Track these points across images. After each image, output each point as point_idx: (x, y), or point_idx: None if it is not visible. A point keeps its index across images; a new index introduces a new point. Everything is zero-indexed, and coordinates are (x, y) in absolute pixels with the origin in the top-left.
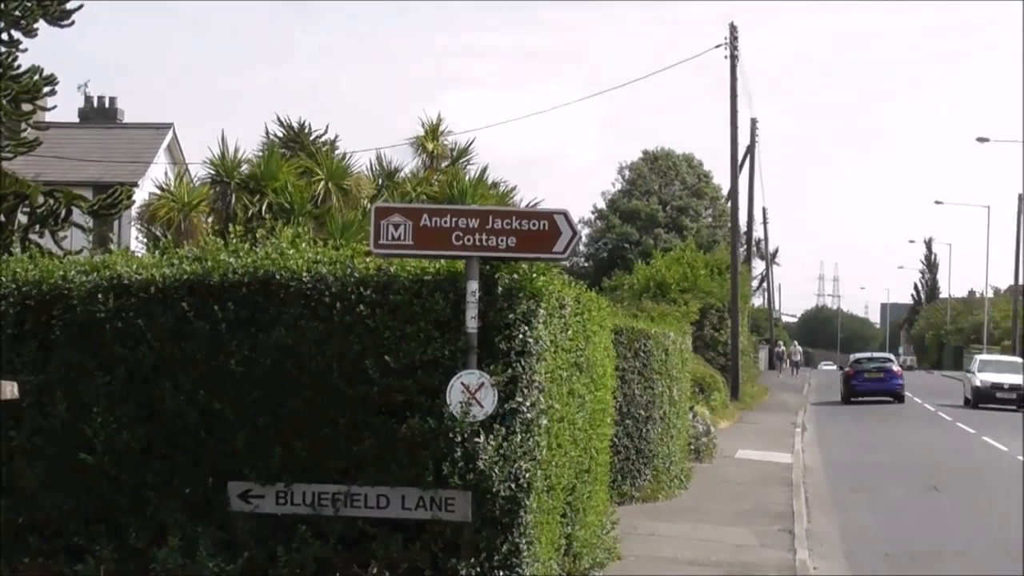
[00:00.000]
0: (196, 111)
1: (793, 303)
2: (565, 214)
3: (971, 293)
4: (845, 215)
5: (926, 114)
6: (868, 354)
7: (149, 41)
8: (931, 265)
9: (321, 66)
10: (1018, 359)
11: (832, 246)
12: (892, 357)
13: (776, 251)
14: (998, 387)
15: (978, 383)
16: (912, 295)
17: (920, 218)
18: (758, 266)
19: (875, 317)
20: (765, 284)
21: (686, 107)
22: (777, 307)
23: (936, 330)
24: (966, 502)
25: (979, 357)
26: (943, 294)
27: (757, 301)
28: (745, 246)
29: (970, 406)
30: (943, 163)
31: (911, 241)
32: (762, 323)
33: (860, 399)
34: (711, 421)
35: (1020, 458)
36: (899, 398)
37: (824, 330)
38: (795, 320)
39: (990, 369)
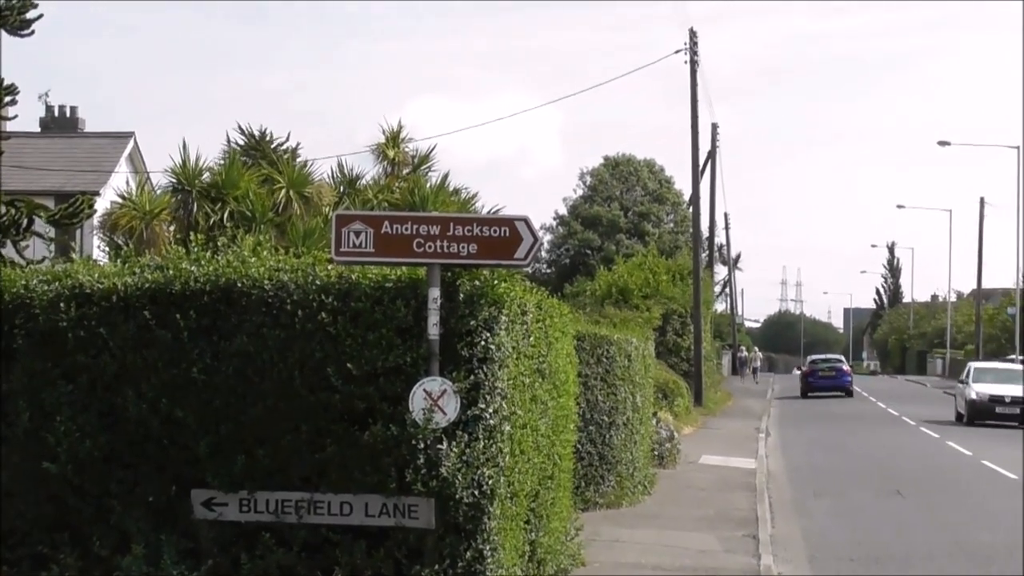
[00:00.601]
0: (157, 119)
1: (756, 308)
2: (526, 220)
3: (934, 297)
4: (808, 220)
5: (887, 118)
6: (823, 356)
7: (109, 49)
8: (894, 270)
9: (281, 73)
10: (1018, 367)
11: (795, 251)
12: (843, 358)
13: (739, 256)
14: (998, 400)
15: (974, 396)
16: (875, 300)
17: (882, 223)
18: (720, 271)
19: (838, 322)
20: (728, 289)
21: (647, 112)
22: (740, 312)
23: (899, 335)
24: (929, 505)
25: (974, 365)
26: (906, 298)
27: (720, 306)
28: (707, 251)
29: (963, 422)
30: (905, 167)
31: (874, 246)
32: (725, 328)
33: (816, 394)
34: (675, 427)
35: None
36: (848, 392)
37: (787, 335)
38: (758, 325)
39: (987, 379)
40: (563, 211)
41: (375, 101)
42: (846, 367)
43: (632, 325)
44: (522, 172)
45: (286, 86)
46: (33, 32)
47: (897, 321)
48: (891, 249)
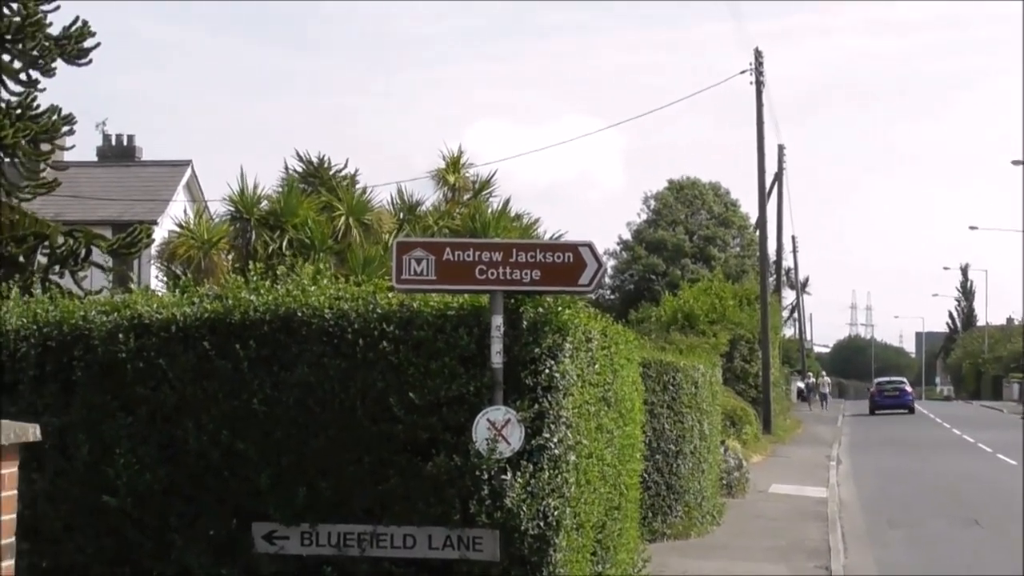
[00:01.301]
0: (215, 147)
1: (825, 333)
2: (590, 246)
3: (1009, 320)
4: (878, 243)
5: (959, 137)
6: (888, 378)
7: (166, 76)
8: (967, 292)
9: (338, 99)
10: None
11: (865, 275)
12: (905, 380)
13: (807, 280)
14: None
15: None
16: (948, 323)
17: (955, 244)
18: (788, 296)
19: (910, 346)
20: (796, 314)
21: (711, 134)
22: (809, 337)
23: (973, 359)
24: (1007, 535)
25: None
26: (980, 322)
27: (788, 332)
28: (775, 275)
29: None
30: (978, 187)
31: (946, 268)
32: (793, 354)
33: (881, 411)
34: (743, 455)
35: None
36: (910, 409)
37: (858, 360)
38: (828, 351)
39: None
40: (627, 236)
41: (433, 126)
42: (908, 388)
43: (698, 351)
44: (585, 196)
45: (343, 112)
46: (91, 61)
47: (971, 345)
48: (964, 271)
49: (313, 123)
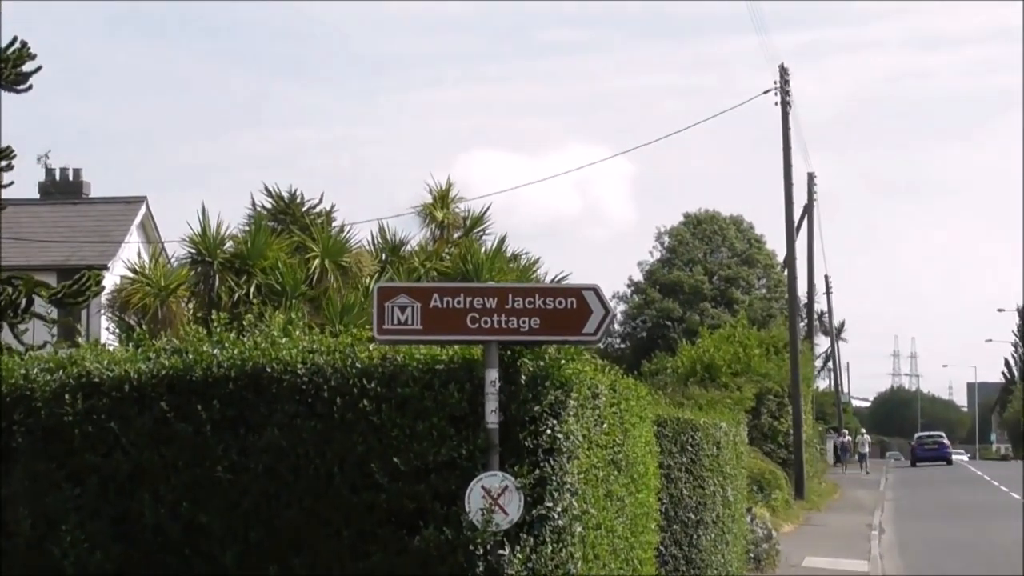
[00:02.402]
0: (172, 183)
1: (864, 385)
2: (596, 290)
3: None
4: (922, 282)
5: (1009, 163)
6: (927, 432)
7: (116, 105)
8: None
9: (312, 128)
10: None
11: (908, 318)
12: (943, 435)
13: (842, 325)
14: None
15: None
16: (1004, 373)
17: (1009, 283)
18: (822, 343)
19: (961, 399)
20: (831, 364)
21: (732, 163)
22: (845, 390)
23: None
24: None
25: None
26: None
27: (822, 384)
28: (806, 320)
29: None
30: None
31: (1000, 310)
32: (829, 409)
33: (922, 463)
34: (772, 524)
35: None
36: (948, 461)
37: (902, 415)
38: (867, 405)
39: None
40: (638, 277)
41: (420, 156)
42: (946, 441)
43: (721, 407)
44: (590, 233)
45: (318, 142)
46: (31, 87)
47: None
48: (1021, 314)
49: (284, 154)
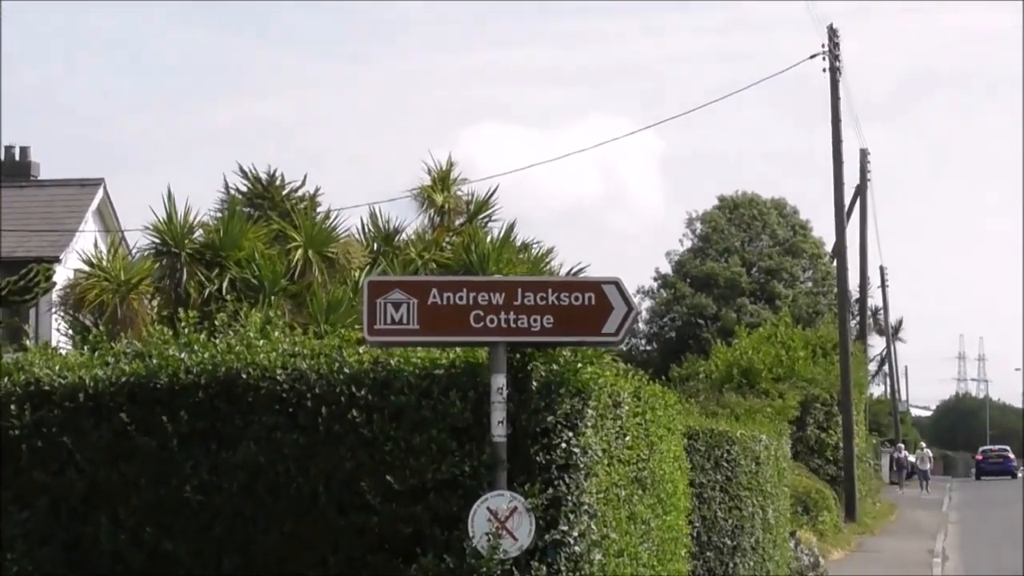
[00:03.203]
0: (134, 162)
1: (926, 391)
2: (617, 283)
3: None
4: (991, 275)
5: None
6: (992, 447)
7: (69, 73)
8: None
9: (295, 100)
10: None
11: (975, 316)
12: (1008, 448)
13: (900, 323)
14: None
15: None
16: None
17: None
18: (877, 344)
19: None
20: (886, 367)
21: (773, 138)
22: (903, 397)
23: None
24: None
25: None
26: None
27: (877, 390)
28: (858, 318)
29: None
30: None
31: None
32: (884, 419)
33: (986, 477)
34: (820, 550)
35: None
36: (1013, 475)
37: (968, 425)
38: (929, 414)
39: None
40: (666, 269)
41: (417, 132)
42: (1011, 455)
43: (760, 417)
44: (612, 220)
45: (301, 116)
46: None
47: None
48: None
49: (263, 130)
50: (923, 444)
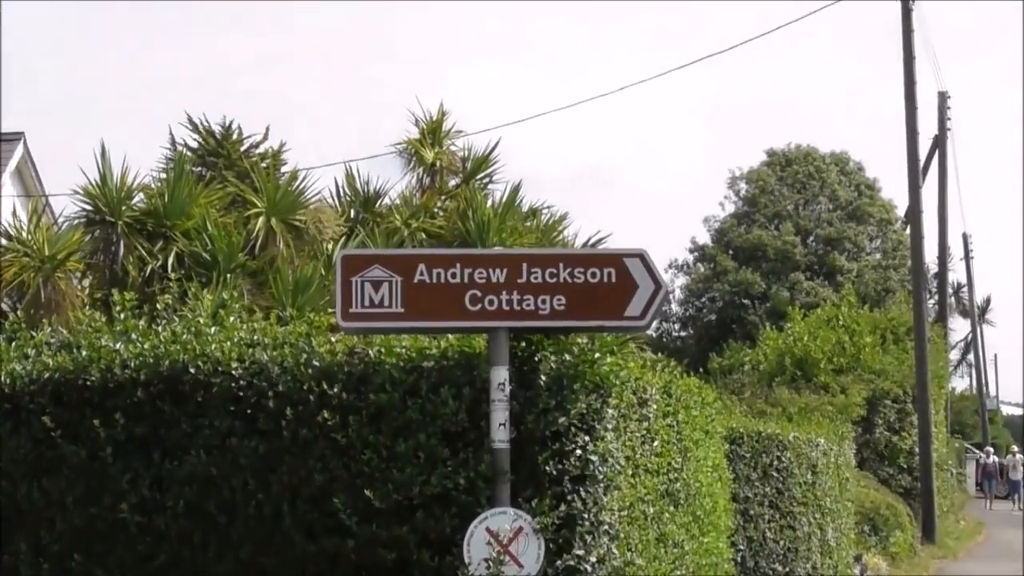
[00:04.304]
0: (59, 113)
1: (1019, 385)
2: (642, 256)
3: None
4: None
5: None
6: None
7: None
8: None
9: (252, 37)
10: None
11: None
12: None
13: (987, 303)
14: None
15: None
16: None
17: None
18: (959, 328)
19: None
20: (971, 356)
21: (833, 80)
22: (992, 392)
23: None
24: None
25: None
26: None
27: (960, 384)
28: (937, 296)
29: None
30: None
31: None
32: (969, 419)
33: None
34: None
35: None
36: None
37: None
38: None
39: None
40: (704, 238)
41: (402, 74)
42: None
43: (819, 417)
44: (638, 179)
45: (261, 57)
46: None
47: None
48: None
49: (214, 74)
50: (1015, 449)
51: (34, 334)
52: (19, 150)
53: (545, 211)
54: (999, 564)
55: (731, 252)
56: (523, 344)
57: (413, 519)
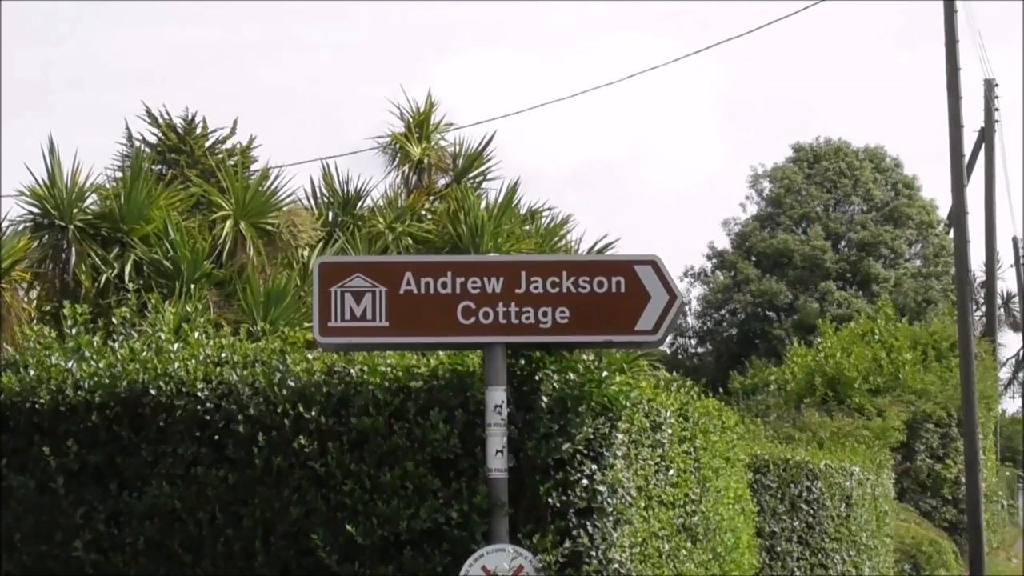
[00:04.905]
0: (4, 103)
1: None
2: (655, 263)
3: None
4: None
5: None
6: None
7: None
8: None
9: (219, 24)
10: None
11: None
12: None
13: None
14: None
15: None
16: None
17: None
18: (1010, 343)
19: None
20: None
21: (867, 65)
22: None
23: None
24: None
25: None
26: None
27: (1011, 405)
28: (984, 308)
29: None
30: None
31: None
32: (1022, 444)
33: None
34: None
35: None
36: None
37: None
38: None
39: None
40: (723, 243)
41: (386, 61)
42: None
43: (853, 443)
44: (649, 177)
45: (228, 44)
46: None
47: None
48: None
49: (178, 63)
50: None
51: None
52: None
53: (546, 213)
54: None
55: (753, 259)
56: (522, 362)
57: (400, 557)
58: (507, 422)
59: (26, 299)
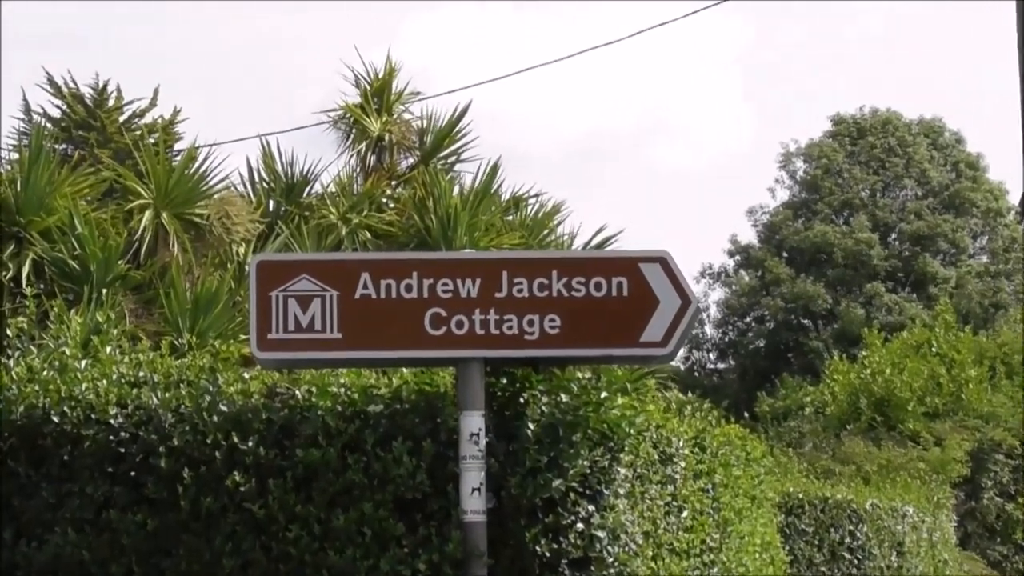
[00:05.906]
0: None
1: None
2: (664, 261)
3: None
4: None
5: None
6: None
7: None
8: None
9: None
10: None
11: None
12: None
13: None
14: None
15: None
16: None
17: None
18: None
19: None
20: None
21: (917, 25)
22: None
23: None
24: None
25: None
26: None
27: None
28: None
29: None
30: None
31: None
32: None
33: None
34: None
35: None
36: None
37: None
38: None
39: None
40: (749, 237)
41: (337, 21)
42: None
43: (905, 477)
44: (658, 157)
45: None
46: None
47: None
48: None
49: (84, 23)
50: None
51: None
52: None
53: (533, 200)
54: None
55: (785, 255)
56: (504, 381)
57: None
58: (486, 454)
59: None
